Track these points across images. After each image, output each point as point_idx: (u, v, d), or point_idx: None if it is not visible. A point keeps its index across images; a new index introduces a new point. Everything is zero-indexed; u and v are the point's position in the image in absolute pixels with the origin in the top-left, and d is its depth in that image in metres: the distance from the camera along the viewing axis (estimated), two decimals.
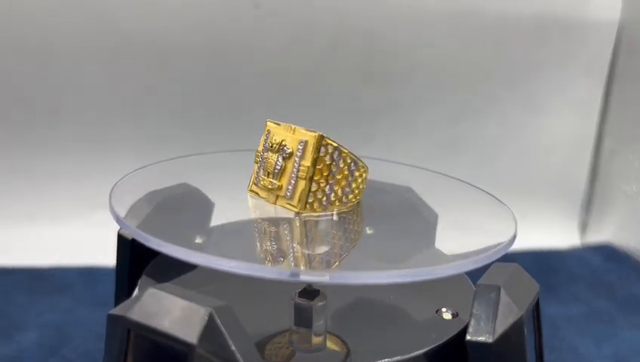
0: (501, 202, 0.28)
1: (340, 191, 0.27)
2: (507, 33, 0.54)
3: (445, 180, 0.32)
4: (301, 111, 0.53)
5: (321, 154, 0.26)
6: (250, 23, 0.50)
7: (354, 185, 0.28)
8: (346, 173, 0.27)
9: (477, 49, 0.54)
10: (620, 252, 0.57)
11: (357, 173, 0.27)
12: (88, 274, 0.47)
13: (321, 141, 0.26)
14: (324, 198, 0.27)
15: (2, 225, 0.51)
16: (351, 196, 0.28)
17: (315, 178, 0.26)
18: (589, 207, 0.61)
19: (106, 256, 0.45)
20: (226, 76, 0.52)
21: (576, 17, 0.55)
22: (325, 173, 0.27)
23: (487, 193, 0.29)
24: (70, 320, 0.41)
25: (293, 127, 0.27)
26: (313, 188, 0.26)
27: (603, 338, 0.42)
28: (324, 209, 0.27)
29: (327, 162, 0.26)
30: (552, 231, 0.59)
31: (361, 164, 0.28)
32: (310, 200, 0.26)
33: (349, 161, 0.27)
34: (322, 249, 0.26)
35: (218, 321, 0.19)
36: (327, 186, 0.27)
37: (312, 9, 0.51)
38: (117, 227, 0.26)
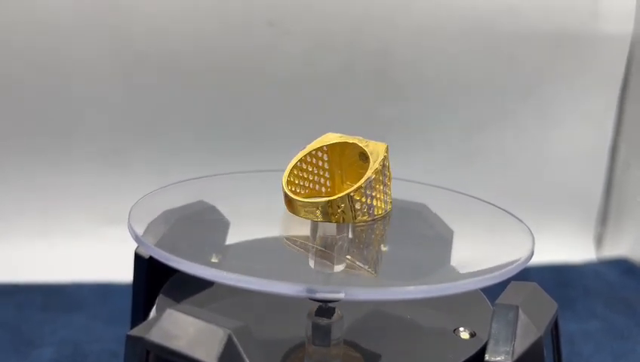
0: (518, 219, 0.28)
1: None
2: (521, 47, 0.54)
3: (460, 197, 0.32)
4: (316, 128, 0.53)
5: None
6: (265, 40, 0.51)
7: None
8: None
9: (491, 64, 0.54)
10: (636, 266, 0.56)
11: None
12: (103, 290, 0.47)
13: None
14: None
15: (17, 242, 0.51)
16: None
17: None
18: (604, 221, 0.61)
19: (121, 272, 0.45)
20: (240, 94, 0.52)
21: (589, 31, 0.55)
22: None
23: (504, 210, 0.29)
24: (85, 337, 0.41)
25: None
26: None
27: (621, 354, 0.41)
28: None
29: None
30: (567, 245, 0.59)
31: None
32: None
33: None
34: (338, 265, 0.27)
35: (237, 343, 0.19)
36: None
37: (325, 26, 0.51)
38: (131, 242, 0.26)
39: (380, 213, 0.27)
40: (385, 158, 0.27)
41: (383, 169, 0.27)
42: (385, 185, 0.27)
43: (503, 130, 0.56)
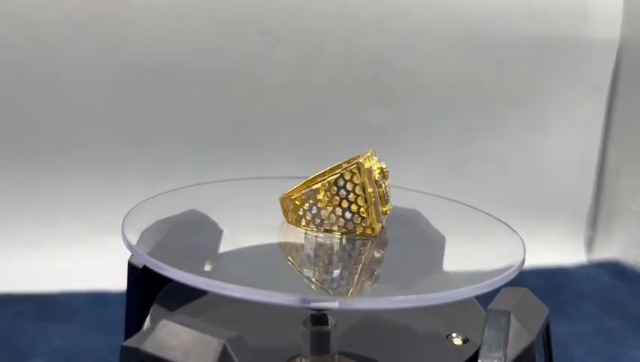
0: (509, 226, 0.29)
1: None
2: (511, 54, 0.55)
3: (452, 205, 0.32)
4: (310, 135, 0.53)
5: None
6: (259, 48, 0.51)
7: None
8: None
9: (482, 70, 0.55)
10: (627, 269, 0.57)
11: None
12: (96, 300, 0.47)
13: None
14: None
15: (10, 252, 0.51)
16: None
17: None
18: (595, 224, 0.61)
19: (114, 281, 0.45)
20: (234, 102, 0.52)
21: (578, 37, 0.55)
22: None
23: (495, 218, 0.30)
24: (79, 347, 0.41)
25: None
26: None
27: (613, 357, 0.42)
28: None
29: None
30: (558, 249, 0.59)
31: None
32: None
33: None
34: (331, 274, 0.27)
35: (231, 352, 0.19)
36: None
37: (319, 34, 0.51)
38: (125, 252, 0.26)
39: (336, 229, 0.27)
40: (350, 178, 0.27)
41: (340, 185, 0.27)
42: (345, 199, 0.27)
43: (494, 136, 0.57)
